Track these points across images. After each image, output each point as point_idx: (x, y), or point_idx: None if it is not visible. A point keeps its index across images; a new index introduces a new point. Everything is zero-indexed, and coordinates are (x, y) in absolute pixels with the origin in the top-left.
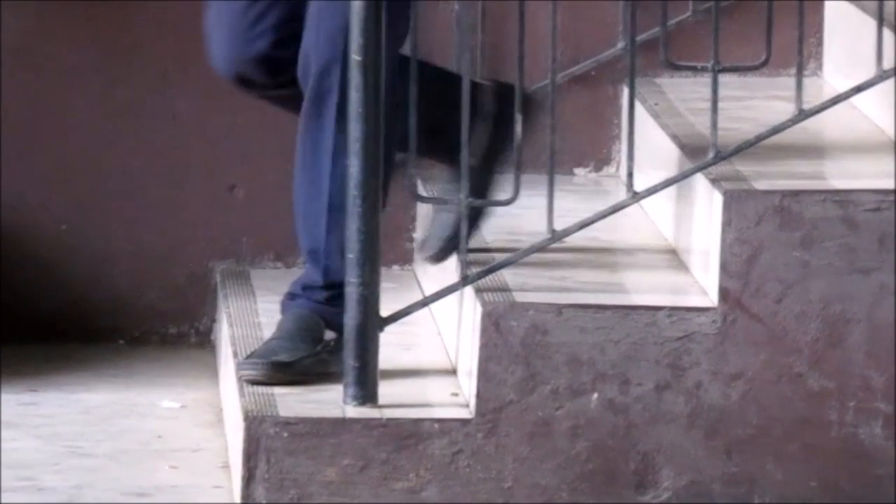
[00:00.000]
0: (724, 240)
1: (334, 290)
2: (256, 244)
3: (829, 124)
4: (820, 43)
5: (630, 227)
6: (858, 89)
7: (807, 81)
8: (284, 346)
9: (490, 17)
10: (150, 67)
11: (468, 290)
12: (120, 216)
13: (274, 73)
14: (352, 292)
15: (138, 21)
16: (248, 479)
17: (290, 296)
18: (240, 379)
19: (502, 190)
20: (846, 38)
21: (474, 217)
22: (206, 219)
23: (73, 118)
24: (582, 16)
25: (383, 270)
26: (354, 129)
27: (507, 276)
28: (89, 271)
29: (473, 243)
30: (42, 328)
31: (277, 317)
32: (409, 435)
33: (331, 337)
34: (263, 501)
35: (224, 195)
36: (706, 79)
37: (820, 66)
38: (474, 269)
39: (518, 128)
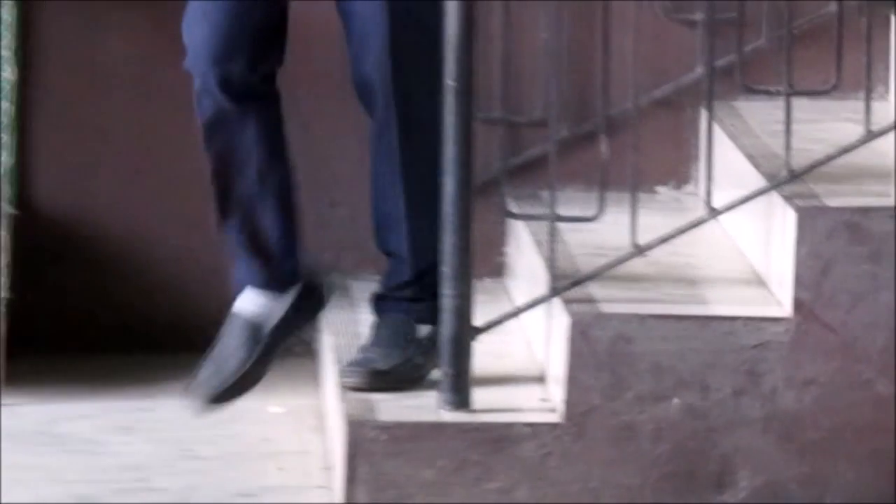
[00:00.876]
0: (797, 254)
1: (419, 285)
2: (356, 258)
3: None
4: (888, 67)
5: (709, 242)
6: None
7: (875, 105)
8: (381, 354)
9: (576, 45)
10: None
11: (556, 302)
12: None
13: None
14: (447, 303)
15: None
16: (350, 480)
17: (380, 297)
18: (341, 386)
19: (589, 207)
20: None
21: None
22: (310, 234)
23: (187, 140)
24: (662, 43)
25: (476, 283)
26: (450, 151)
27: (593, 288)
28: (199, 286)
29: (561, 257)
30: (156, 340)
31: None
32: (501, 438)
33: (423, 334)
34: (364, 501)
35: (326, 212)
36: (780, 102)
37: (888, 90)
38: (562, 282)
39: (603, 147)
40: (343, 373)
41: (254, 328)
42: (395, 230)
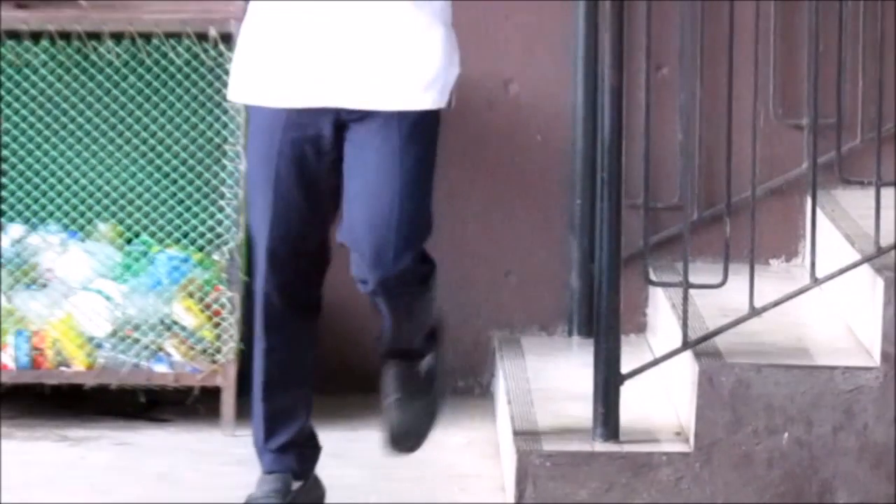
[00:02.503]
0: (884, 315)
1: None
2: (526, 317)
3: None
4: None
5: (813, 306)
6: None
7: None
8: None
9: (705, 143)
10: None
11: (688, 353)
12: None
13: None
14: (599, 354)
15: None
16: (519, 499)
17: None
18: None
19: (716, 276)
20: None
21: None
22: (487, 298)
23: None
24: (775, 143)
25: (623, 338)
26: (603, 231)
27: (718, 342)
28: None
29: (692, 317)
30: (357, 381)
31: (544, 375)
32: (643, 464)
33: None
34: None
35: (501, 279)
36: (871, 191)
37: None
38: (693, 337)
39: (727, 228)
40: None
41: None
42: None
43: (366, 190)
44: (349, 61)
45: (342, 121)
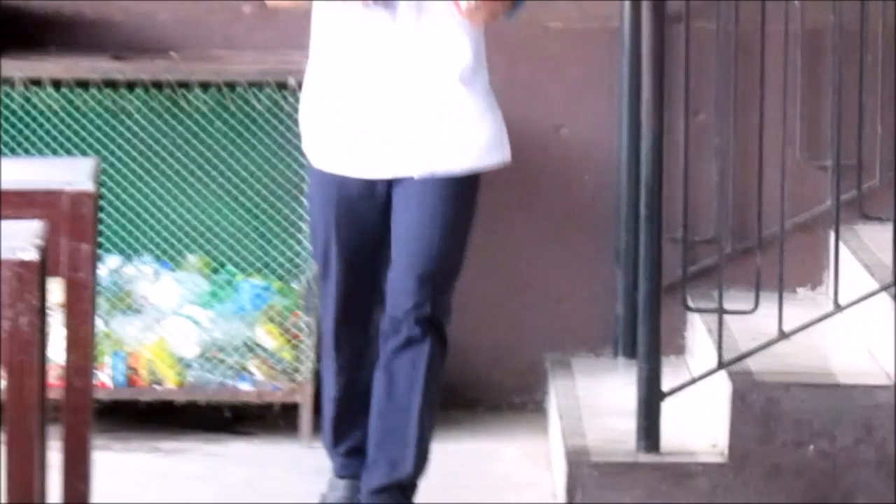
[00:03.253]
0: None
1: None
2: (575, 341)
3: None
4: None
5: (836, 330)
6: None
7: None
8: None
9: (737, 182)
10: (499, 217)
11: (723, 373)
12: (482, 317)
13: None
14: (642, 374)
15: None
16: None
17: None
18: None
19: (748, 303)
20: None
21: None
22: (540, 323)
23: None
24: (802, 182)
25: (663, 359)
26: (645, 263)
27: (750, 362)
28: (460, 357)
29: (726, 340)
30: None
31: (592, 393)
32: (682, 473)
33: None
34: None
35: (553, 306)
36: (889, 226)
37: None
38: (727, 359)
39: (758, 259)
40: None
41: None
42: (397, 440)
43: (411, 232)
44: (401, 134)
45: (393, 180)
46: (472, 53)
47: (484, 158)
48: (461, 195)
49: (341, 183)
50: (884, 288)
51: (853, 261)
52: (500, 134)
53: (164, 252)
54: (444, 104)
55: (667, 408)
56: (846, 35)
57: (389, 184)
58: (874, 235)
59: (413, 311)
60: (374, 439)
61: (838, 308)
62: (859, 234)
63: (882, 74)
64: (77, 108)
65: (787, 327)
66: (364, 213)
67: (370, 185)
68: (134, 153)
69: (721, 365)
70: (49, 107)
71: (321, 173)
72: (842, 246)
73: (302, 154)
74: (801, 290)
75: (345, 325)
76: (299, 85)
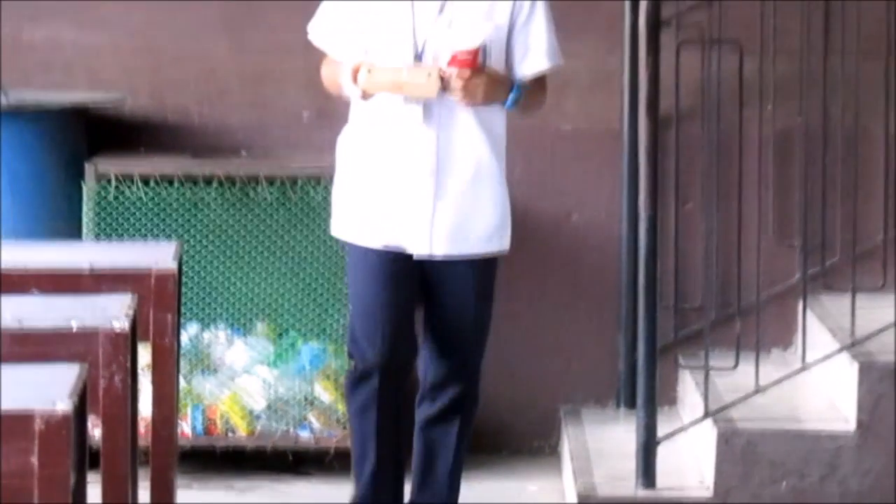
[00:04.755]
0: (859, 391)
1: None
2: (584, 394)
3: None
4: None
5: (805, 385)
6: None
7: (891, 299)
8: None
9: (720, 260)
10: (519, 288)
11: (709, 421)
12: (506, 374)
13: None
14: (640, 422)
15: None
16: None
17: None
18: None
19: (729, 361)
20: None
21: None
22: (554, 378)
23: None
24: (774, 258)
25: (658, 409)
26: (644, 327)
27: (732, 412)
28: (487, 408)
29: (711, 393)
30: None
31: (598, 438)
32: None
33: None
34: None
35: (565, 364)
36: (849, 296)
37: None
38: (712, 409)
39: (738, 325)
40: None
41: None
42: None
43: (443, 308)
44: (426, 219)
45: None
46: (492, 151)
47: (497, 246)
48: (482, 274)
49: (379, 252)
50: (844, 348)
51: (819, 326)
52: (507, 224)
53: (237, 320)
54: (467, 191)
55: (662, 451)
56: (811, 136)
57: (422, 262)
58: (836, 304)
59: (448, 381)
60: (414, 490)
61: (806, 366)
62: (824, 304)
63: (841, 169)
64: (162, 200)
65: (762, 382)
66: (400, 277)
67: (404, 259)
68: (210, 237)
69: (707, 414)
70: (139, 199)
71: (358, 248)
72: (809, 313)
73: None
74: (774, 351)
75: (381, 380)
76: None
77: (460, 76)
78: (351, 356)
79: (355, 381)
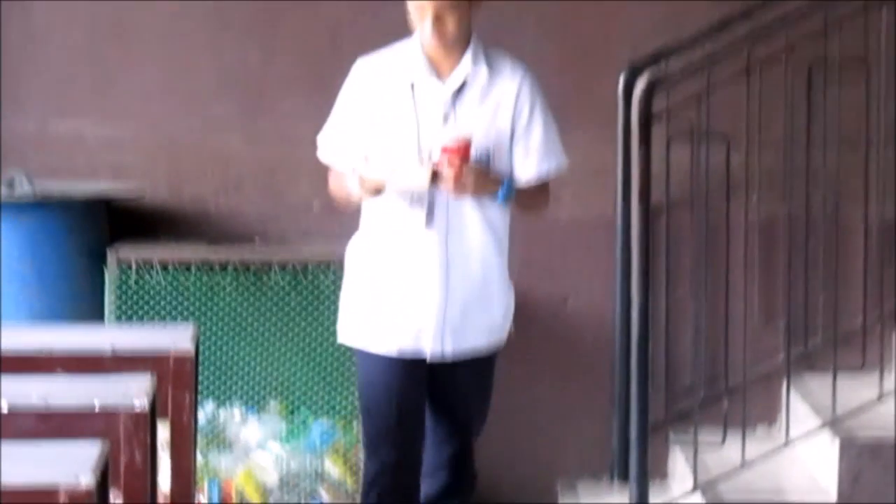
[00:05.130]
0: (839, 466)
1: None
2: (580, 467)
3: None
4: (891, 358)
5: (788, 459)
6: None
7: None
8: None
9: (709, 342)
10: (519, 370)
11: (698, 493)
12: (507, 449)
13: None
14: (633, 495)
15: None
16: None
17: None
18: None
19: (717, 437)
20: None
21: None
22: (553, 453)
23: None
24: (760, 340)
25: (650, 482)
26: (636, 404)
27: (720, 485)
28: (490, 481)
29: (700, 466)
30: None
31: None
32: None
33: None
34: None
35: (562, 440)
36: (830, 375)
37: (891, 369)
38: (701, 481)
39: (725, 403)
40: None
41: None
42: None
43: (448, 398)
44: (445, 316)
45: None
46: (496, 251)
47: (500, 340)
48: (486, 367)
49: (390, 363)
50: (826, 425)
51: (802, 403)
52: (510, 316)
53: (251, 399)
54: (473, 292)
55: None
56: (794, 224)
57: (427, 362)
58: (819, 383)
59: (450, 460)
60: None
61: (789, 442)
62: (807, 382)
63: (823, 255)
64: (180, 285)
65: (749, 457)
66: (412, 388)
67: (415, 362)
68: (226, 320)
69: (696, 487)
70: (158, 284)
71: (371, 355)
72: (792, 391)
73: None
74: (760, 427)
75: (399, 487)
76: None
77: (450, 164)
78: (366, 458)
79: (372, 482)
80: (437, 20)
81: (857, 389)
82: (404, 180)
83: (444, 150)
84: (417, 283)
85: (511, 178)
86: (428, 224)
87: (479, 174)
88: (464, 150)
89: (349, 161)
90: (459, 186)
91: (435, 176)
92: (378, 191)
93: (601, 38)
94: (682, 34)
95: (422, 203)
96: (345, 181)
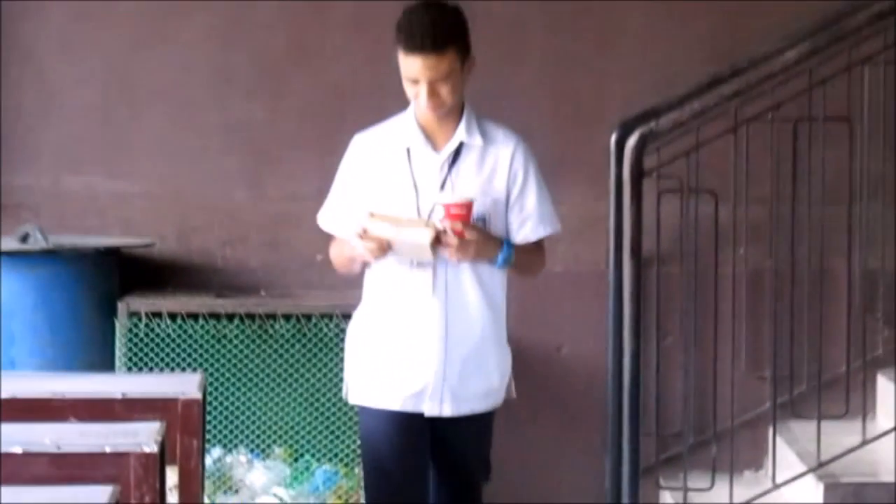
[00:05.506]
0: None
1: None
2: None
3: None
4: (873, 406)
5: (776, 502)
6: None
7: (868, 424)
8: None
9: (697, 390)
10: (515, 416)
11: None
12: (502, 493)
13: None
14: None
15: None
16: None
17: None
18: None
19: (706, 482)
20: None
21: None
22: (546, 496)
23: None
24: (746, 388)
25: None
26: (627, 450)
27: None
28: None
29: None
30: None
31: None
32: None
33: None
34: None
35: (556, 483)
36: (814, 422)
37: (874, 415)
38: None
39: (713, 448)
40: None
41: None
42: None
43: (450, 452)
44: (444, 377)
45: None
46: (493, 317)
47: (497, 402)
48: (485, 424)
49: (393, 419)
50: (811, 470)
51: (787, 449)
52: (506, 380)
53: (256, 445)
54: (471, 357)
55: None
56: (780, 276)
57: (432, 419)
58: (803, 429)
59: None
60: None
61: (775, 486)
62: (792, 429)
63: (807, 306)
64: (188, 335)
65: (736, 501)
66: (414, 443)
67: (417, 419)
68: (232, 369)
69: None
70: (167, 334)
71: (375, 411)
72: (778, 438)
73: None
74: (747, 472)
75: None
76: None
77: (454, 227)
78: None
79: None
80: (431, 91)
81: (840, 436)
82: (409, 236)
83: (447, 212)
84: (419, 345)
85: (509, 242)
86: (433, 291)
87: (482, 238)
88: (466, 213)
89: (350, 229)
90: (463, 247)
91: (437, 237)
92: (381, 248)
93: (594, 96)
94: (673, 93)
95: (424, 267)
96: (346, 246)
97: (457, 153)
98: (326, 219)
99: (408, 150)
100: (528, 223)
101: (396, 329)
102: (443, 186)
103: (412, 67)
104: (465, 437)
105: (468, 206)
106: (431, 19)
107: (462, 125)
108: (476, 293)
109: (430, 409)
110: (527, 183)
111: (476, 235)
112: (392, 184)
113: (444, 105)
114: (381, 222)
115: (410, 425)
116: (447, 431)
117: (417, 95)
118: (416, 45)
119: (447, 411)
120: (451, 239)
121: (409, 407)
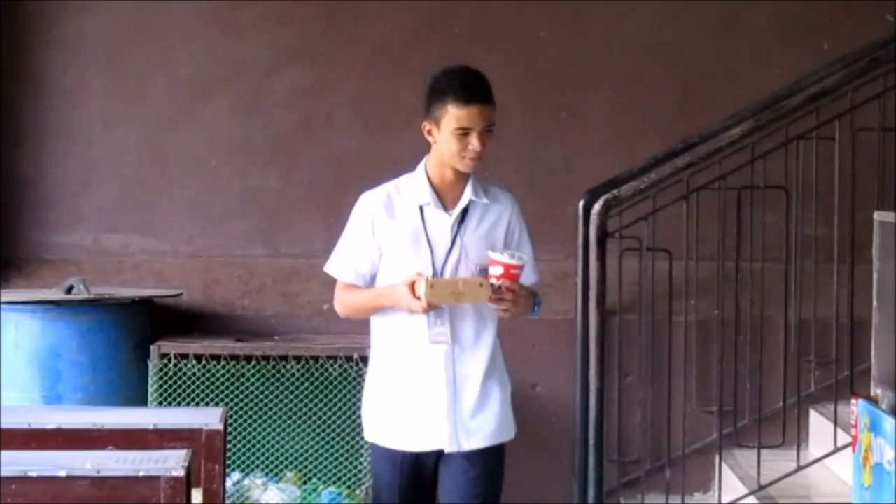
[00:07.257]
0: None
1: None
2: None
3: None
4: (806, 436)
5: None
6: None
7: (789, 453)
8: None
9: (654, 422)
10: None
11: None
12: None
13: None
14: None
15: None
16: None
17: None
18: None
19: (661, 501)
20: None
21: None
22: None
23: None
24: (696, 420)
25: None
26: (592, 475)
27: None
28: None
29: None
30: None
31: None
32: None
33: None
34: None
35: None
36: (755, 451)
37: (808, 444)
38: None
39: (667, 473)
40: None
41: None
42: None
43: (457, 489)
44: (455, 418)
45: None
46: (493, 354)
47: (504, 436)
48: (496, 457)
49: (405, 459)
50: (752, 493)
51: (731, 474)
52: (509, 416)
53: (270, 470)
54: (475, 396)
55: None
56: (726, 324)
57: (437, 455)
58: (745, 457)
59: None
60: None
61: None
62: (735, 456)
63: (749, 350)
64: (212, 374)
65: None
66: (421, 471)
67: (422, 456)
68: (250, 404)
69: None
70: (193, 373)
71: (390, 451)
72: (724, 464)
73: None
74: (696, 494)
75: None
76: (362, 359)
77: (512, 288)
78: None
79: None
80: (482, 140)
81: (778, 462)
82: (468, 298)
83: (507, 267)
84: (429, 392)
85: (536, 293)
86: (453, 342)
87: (527, 291)
88: (520, 273)
89: (359, 275)
90: (514, 305)
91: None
92: (423, 307)
93: (565, 167)
94: (633, 164)
95: (442, 321)
96: (378, 297)
97: (464, 211)
98: (334, 266)
99: (420, 208)
100: (526, 272)
101: (407, 372)
102: (453, 243)
103: (468, 117)
104: (478, 472)
105: (522, 267)
106: (477, 74)
107: (470, 185)
108: (478, 334)
109: (443, 446)
110: (522, 236)
111: (525, 292)
112: (406, 239)
113: (484, 155)
114: (442, 286)
115: (422, 463)
116: (460, 467)
117: (467, 146)
118: (475, 95)
119: (453, 448)
120: (508, 296)
121: (418, 447)
